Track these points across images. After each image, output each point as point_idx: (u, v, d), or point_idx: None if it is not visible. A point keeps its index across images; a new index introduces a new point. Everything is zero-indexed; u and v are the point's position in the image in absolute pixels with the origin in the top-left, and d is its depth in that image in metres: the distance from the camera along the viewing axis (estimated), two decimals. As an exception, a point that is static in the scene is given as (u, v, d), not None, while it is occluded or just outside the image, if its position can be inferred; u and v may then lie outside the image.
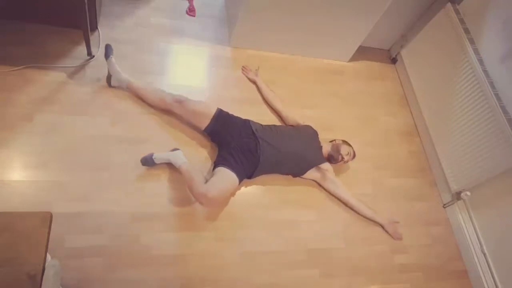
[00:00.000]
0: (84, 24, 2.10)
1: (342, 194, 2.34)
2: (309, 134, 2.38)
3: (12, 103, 2.05)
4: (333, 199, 2.36)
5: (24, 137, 1.98)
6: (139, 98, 2.26)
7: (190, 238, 2.00)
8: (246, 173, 2.13)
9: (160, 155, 2.06)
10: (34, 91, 2.12)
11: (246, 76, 2.64)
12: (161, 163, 2.09)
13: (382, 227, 2.36)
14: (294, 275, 2.07)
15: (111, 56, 2.21)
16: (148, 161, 2.06)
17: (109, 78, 2.24)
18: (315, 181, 2.37)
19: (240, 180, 2.08)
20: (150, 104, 2.25)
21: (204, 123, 2.18)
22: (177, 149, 2.14)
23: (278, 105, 2.52)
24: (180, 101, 2.17)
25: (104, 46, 2.27)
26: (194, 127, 2.26)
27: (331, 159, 2.36)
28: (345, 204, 2.36)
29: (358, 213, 2.35)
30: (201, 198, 1.92)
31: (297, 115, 2.49)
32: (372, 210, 2.36)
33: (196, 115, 2.19)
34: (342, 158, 2.35)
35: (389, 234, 2.36)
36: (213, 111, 2.19)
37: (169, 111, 2.24)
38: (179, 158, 2.07)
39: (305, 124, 2.44)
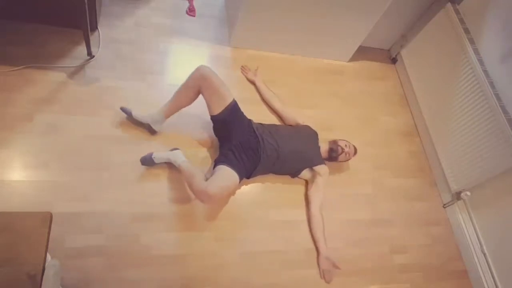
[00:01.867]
0: (84, 24, 2.10)
1: (312, 201, 2.23)
2: (308, 134, 2.38)
3: (12, 103, 2.05)
4: (333, 198, 2.36)
5: (24, 137, 1.98)
6: (179, 109, 2.17)
7: (190, 238, 2.00)
8: (247, 171, 2.13)
9: (159, 155, 2.06)
10: (34, 91, 2.12)
11: (245, 76, 2.64)
12: (160, 163, 2.09)
13: (317, 256, 2.14)
14: (294, 275, 2.07)
15: (131, 112, 2.14)
16: (147, 161, 2.06)
17: (149, 127, 2.16)
18: (306, 181, 2.35)
19: (241, 178, 2.07)
20: (188, 104, 2.15)
21: (217, 110, 2.09)
22: (177, 148, 2.14)
23: (277, 105, 2.52)
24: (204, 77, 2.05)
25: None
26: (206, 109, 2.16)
27: (331, 152, 2.34)
28: (308, 211, 2.24)
29: (310, 229, 2.20)
30: (202, 195, 1.90)
31: (297, 115, 2.49)
32: (323, 237, 2.16)
33: (215, 96, 2.06)
34: (342, 149, 2.33)
35: (319, 269, 2.11)
36: (229, 100, 2.10)
37: (199, 93, 2.11)
38: (178, 157, 2.07)
39: (304, 124, 2.44)
